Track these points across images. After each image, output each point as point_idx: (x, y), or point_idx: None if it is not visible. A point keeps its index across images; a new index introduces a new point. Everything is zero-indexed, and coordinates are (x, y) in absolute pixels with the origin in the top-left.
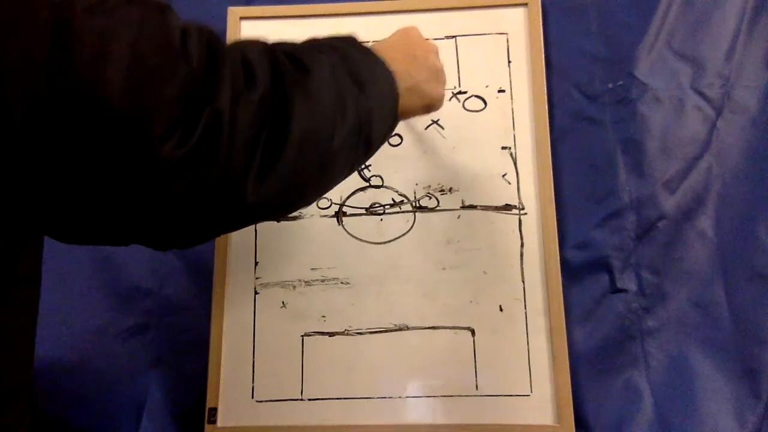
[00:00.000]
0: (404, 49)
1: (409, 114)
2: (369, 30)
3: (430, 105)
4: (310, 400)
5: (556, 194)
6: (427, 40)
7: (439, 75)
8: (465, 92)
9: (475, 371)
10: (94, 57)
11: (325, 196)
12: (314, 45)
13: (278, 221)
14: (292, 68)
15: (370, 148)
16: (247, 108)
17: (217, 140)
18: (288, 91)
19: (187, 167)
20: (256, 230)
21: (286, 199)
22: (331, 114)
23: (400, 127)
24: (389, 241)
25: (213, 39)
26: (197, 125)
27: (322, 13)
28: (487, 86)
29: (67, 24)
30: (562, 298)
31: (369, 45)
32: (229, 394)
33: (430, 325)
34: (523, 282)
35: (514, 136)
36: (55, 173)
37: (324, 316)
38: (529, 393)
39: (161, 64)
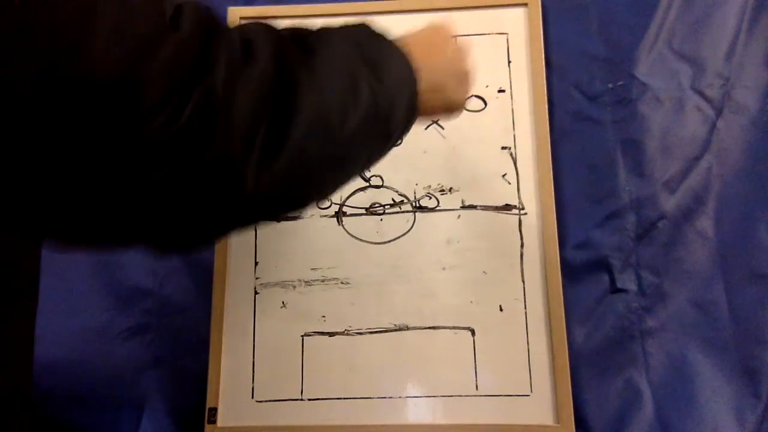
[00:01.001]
0: (432, 45)
1: (429, 112)
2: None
3: (452, 107)
4: (310, 400)
5: (556, 194)
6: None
7: (464, 78)
8: None
9: (475, 371)
10: (78, 23)
11: None
12: (324, 29)
13: (280, 221)
14: (297, 48)
15: (389, 138)
16: (245, 85)
17: (212, 120)
18: (292, 70)
19: (178, 148)
20: (256, 230)
21: (295, 191)
22: (341, 97)
23: None
24: (389, 241)
25: (209, 13)
26: (188, 101)
27: (322, 13)
28: (487, 86)
29: None
30: (562, 298)
31: (397, 36)
32: (229, 394)
33: (430, 325)
34: (523, 282)
35: (514, 136)
36: (39, 157)
37: (324, 316)
38: (529, 393)
39: (150, 32)
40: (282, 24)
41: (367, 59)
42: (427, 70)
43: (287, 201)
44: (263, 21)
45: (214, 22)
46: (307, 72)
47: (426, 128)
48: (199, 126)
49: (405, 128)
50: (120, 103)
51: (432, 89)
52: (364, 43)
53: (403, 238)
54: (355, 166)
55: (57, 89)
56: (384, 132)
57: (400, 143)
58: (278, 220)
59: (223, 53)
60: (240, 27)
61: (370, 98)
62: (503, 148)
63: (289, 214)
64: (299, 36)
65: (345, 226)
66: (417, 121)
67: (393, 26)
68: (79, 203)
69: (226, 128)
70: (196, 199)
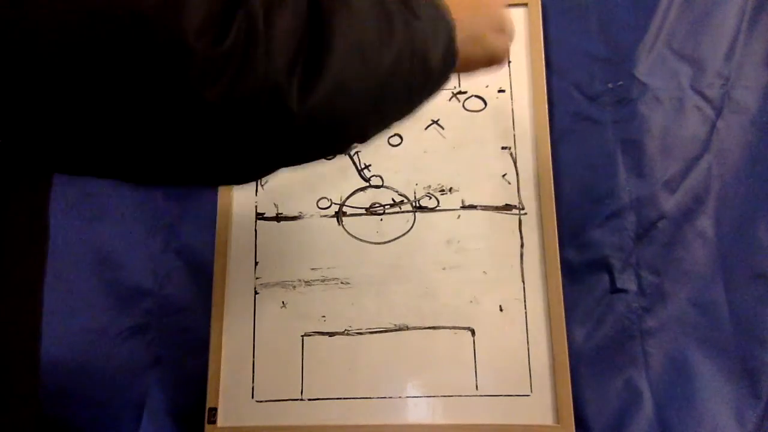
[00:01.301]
0: None
1: (470, 65)
2: None
3: (493, 57)
4: (310, 400)
5: (556, 194)
6: None
7: (503, 27)
8: (465, 92)
9: (475, 371)
10: None
11: (324, 196)
12: None
13: (336, 154)
14: None
15: (429, 80)
16: (283, 13)
17: (254, 42)
18: (326, 5)
19: (224, 68)
20: (256, 230)
21: (337, 122)
22: (375, 32)
23: (401, 127)
24: (389, 241)
25: None
26: (231, 26)
27: None
28: (487, 86)
29: None
30: (562, 298)
31: None
32: (229, 394)
33: (430, 325)
34: (523, 282)
35: (514, 136)
36: (91, 90)
37: (324, 316)
38: (529, 393)
39: None
40: None
41: (402, 1)
42: (464, 19)
43: (330, 132)
44: None
45: None
46: (341, 6)
47: (426, 128)
48: (243, 49)
49: (444, 72)
50: (166, 27)
51: (471, 39)
52: None
53: (403, 238)
54: (394, 105)
55: (102, 20)
56: (422, 72)
57: (400, 143)
58: (324, 157)
59: None
60: None
61: (405, 36)
62: (503, 148)
63: (333, 152)
64: None
65: (345, 226)
66: (462, 74)
67: None
68: (136, 132)
69: (268, 51)
70: (243, 124)
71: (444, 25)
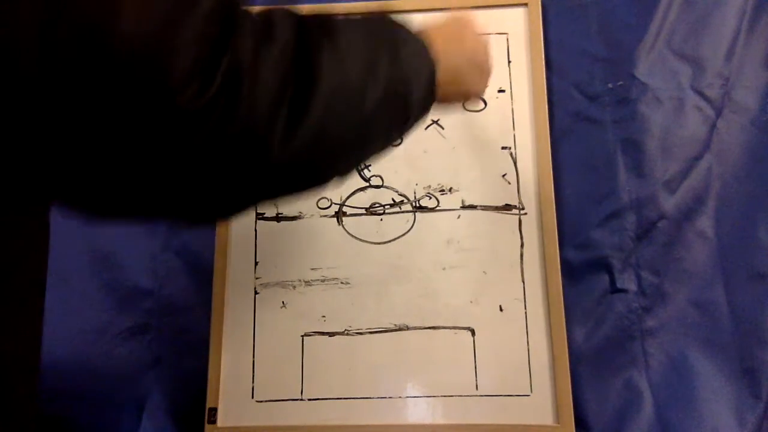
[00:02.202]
0: (452, 35)
1: (447, 99)
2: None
3: (470, 94)
4: (310, 400)
5: (556, 194)
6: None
7: (483, 69)
8: None
9: (475, 371)
10: (105, 3)
11: (324, 195)
12: (344, 17)
13: (302, 194)
14: (318, 28)
15: (408, 118)
16: (268, 58)
17: (238, 91)
18: (313, 47)
19: (208, 118)
20: (256, 230)
21: (317, 161)
22: (360, 73)
23: None
24: (389, 241)
25: None
26: (217, 72)
27: (322, 13)
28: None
29: None
30: (562, 298)
31: (418, 23)
32: (229, 394)
33: (430, 325)
34: (523, 282)
35: (514, 136)
36: (74, 126)
37: (324, 316)
38: (529, 393)
39: (177, 3)
40: None
41: (387, 42)
42: (446, 59)
43: (310, 172)
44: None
45: (234, 1)
46: (327, 49)
47: (426, 128)
48: (228, 95)
49: (423, 110)
50: (152, 75)
51: (450, 79)
52: (385, 27)
53: (403, 238)
54: (375, 142)
55: (87, 64)
56: (403, 111)
57: (400, 143)
58: (302, 194)
59: (246, 27)
60: (261, 10)
61: (389, 75)
62: (503, 148)
63: (312, 189)
64: (320, 18)
65: (345, 226)
66: (436, 107)
67: None
68: (114, 172)
69: (252, 97)
70: (223, 167)
71: (427, 65)
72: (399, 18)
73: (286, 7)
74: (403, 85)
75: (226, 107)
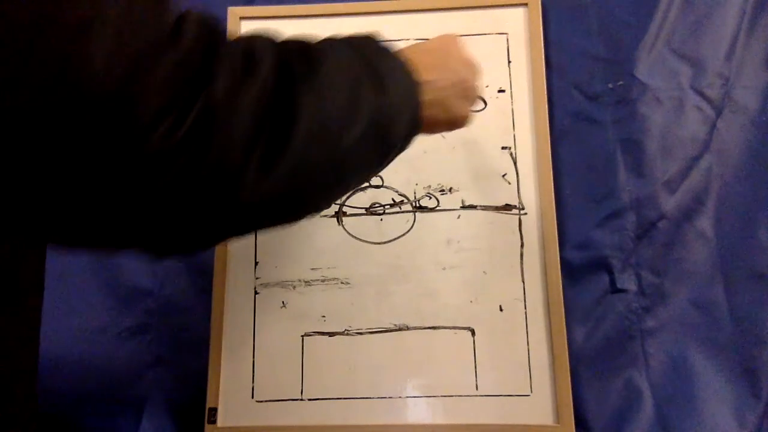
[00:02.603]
0: (438, 57)
1: (431, 127)
2: (369, 30)
3: (454, 122)
4: (310, 400)
5: (556, 194)
6: (467, 55)
7: (468, 92)
8: None
9: (475, 371)
10: (75, 39)
11: None
12: (329, 40)
13: (278, 229)
14: (300, 60)
15: (388, 153)
16: (246, 97)
17: (212, 131)
18: (294, 82)
19: (178, 158)
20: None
21: (292, 200)
22: (341, 109)
23: None
24: (389, 241)
25: (212, 23)
26: (189, 113)
27: (322, 13)
28: (487, 86)
29: (48, 3)
30: (562, 298)
31: (403, 46)
32: (229, 394)
33: (430, 325)
34: (523, 282)
35: (514, 136)
36: (41, 166)
37: (324, 316)
38: (529, 393)
39: (151, 46)
40: (284, 24)
41: (371, 72)
42: (432, 87)
43: (284, 210)
44: (265, 32)
45: (216, 32)
46: (309, 83)
47: None
48: (199, 137)
49: (405, 142)
50: (118, 118)
51: (435, 104)
52: (369, 55)
53: (403, 238)
54: (353, 178)
55: (55, 102)
56: (384, 145)
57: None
58: (276, 229)
59: (224, 64)
60: (242, 38)
61: (371, 111)
62: (503, 148)
63: (286, 224)
64: (303, 47)
65: (345, 226)
66: (420, 134)
67: (393, 26)
68: (80, 210)
69: (225, 138)
70: (193, 206)
71: (412, 98)
72: (384, 44)
73: (269, 35)
74: (386, 120)
75: (199, 146)
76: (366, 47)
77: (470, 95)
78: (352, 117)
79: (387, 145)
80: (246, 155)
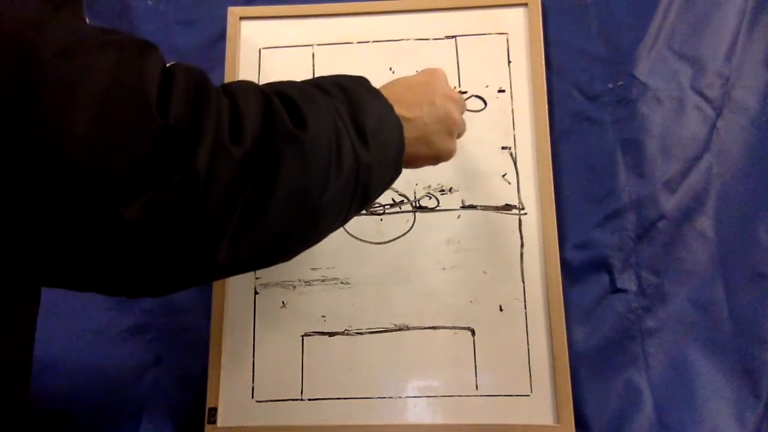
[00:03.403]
0: (423, 93)
1: (414, 162)
2: (369, 30)
3: (437, 157)
4: (310, 400)
5: (556, 194)
6: (453, 89)
7: (452, 128)
8: (465, 92)
9: (475, 371)
10: (57, 108)
11: None
12: (319, 85)
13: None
14: (288, 119)
15: (367, 201)
16: (228, 165)
17: (190, 201)
18: (279, 145)
19: (153, 228)
20: None
21: (264, 257)
22: (324, 168)
23: None
24: (389, 241)
25: (200, 84)
26: (169, 185)
27: (322, 13)
28: (487, 86)
29: (30, 69)
30: (562, 298)
31: (388, 80)
32: (229, 394)
33: (430, 325)
34: (523, 282)
35: (514, 136)
36: (13, 227)
37: (324, 316)
38: (529, 393)
39: (132, 117)
40: (284, 24)
41: (356, 121)
42: (414, 119)
43: (259, 263)
44: (256, 84)
45: (205, 92)
46: (293, 147)
47: None
48: (177, 208)
49: (387, 186)
50: (97, 191)
51: (417, 140)
52: (356, 102)
53: (403, 238)
54: (328, 227)
55: (34, 176)
56: (363, 194)
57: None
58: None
59: (209, 130)
60: (232, 92)
61: (352, 165)
62: (503, 148)
63: (261, 268)
64: (291, 101)
65: (345, 226)
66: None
67: (393, 26)
68: (58, 263)
69: (203, 210)
70: (169, 266)
71: (394, 143)
72: (370, 88)
73: (256, 86)
74: (367, 171)
75: (175, 217)
76: (356, 90)
77: (454, 130)
78: (333, 173)
79: (367, 193)
80: (224, 220)
